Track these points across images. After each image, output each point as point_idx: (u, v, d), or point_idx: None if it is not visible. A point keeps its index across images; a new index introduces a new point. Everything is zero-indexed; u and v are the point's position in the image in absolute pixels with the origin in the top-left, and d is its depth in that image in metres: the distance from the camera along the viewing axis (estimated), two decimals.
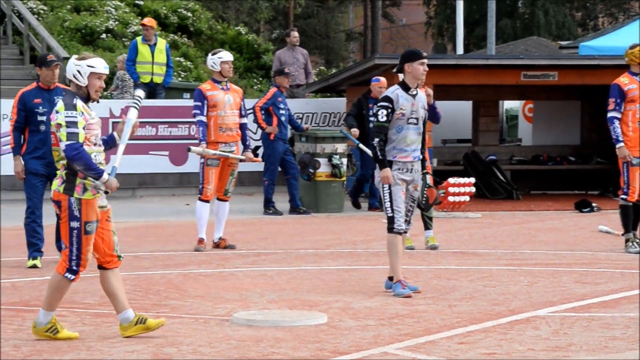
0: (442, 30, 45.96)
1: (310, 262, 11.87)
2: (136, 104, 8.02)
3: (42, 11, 23.40)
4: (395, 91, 9.69)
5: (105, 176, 7.66)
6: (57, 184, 7.71)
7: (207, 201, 12.59)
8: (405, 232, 9.77)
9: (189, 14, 25.16)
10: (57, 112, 7.63)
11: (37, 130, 11.21)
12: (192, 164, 19.50)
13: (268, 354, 7.34)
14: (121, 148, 7.90)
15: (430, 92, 10.10)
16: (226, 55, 12.64)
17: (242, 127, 12.73)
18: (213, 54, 12.70)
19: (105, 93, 21.04)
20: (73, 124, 7.56)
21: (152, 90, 19.50)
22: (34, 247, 11.32)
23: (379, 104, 9.71)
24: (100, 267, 7.94)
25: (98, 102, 7.79)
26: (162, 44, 19.70)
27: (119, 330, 7.88)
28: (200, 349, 7.49)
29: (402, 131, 9.62)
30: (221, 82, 12.64)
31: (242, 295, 9.66)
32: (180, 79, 22.16)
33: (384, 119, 9.59)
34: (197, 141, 12.72)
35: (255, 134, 18.34)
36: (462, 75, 18.03)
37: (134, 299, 9.45)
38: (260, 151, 17.79)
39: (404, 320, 8.47)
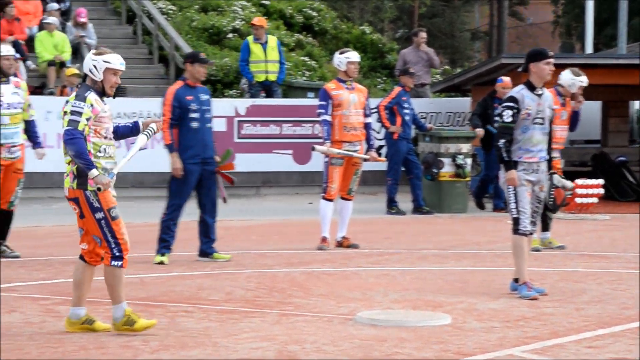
0: (570, 29, 45.17)
1: (434, 262, 11.78)
2: (149, 133, 8.05)
3: (170, 11, 23.76)
4: (520, 91, 9.55)
5: (94, 172, 7.59)
6: (69, 181, 7.70)
7: (331, 200, 12.60)
8: (531, 234, 9.61)
9: (314, 14, 25.24)
10: (67, 101, 7.72)
11: (189, 128, 11.39)
12: (315, 163, 19.54)
13: (392, 354, 7.29)
14: (123, 161, 7.84)
15: (582, 99, 10.21)
16: (353, 56, 12.62)
17: (367, 126, 12.70)
18: (340, 53, 12.68)
19: (231, 92, 21.26)
20: (77, 113, 7.63)
21: (267, 89, 19.62)
22: (165, 243, 11.48)
23: (504, 104, 9.57)
24: (83, 258, 7.89)
25: (113, 97, 7.85)
26: (273, 41, 19.77)
27: (65, 324, 7.93)
28: (324, 347, 7.48)
29: (527, 131, 9.47)
30: (346, 81, 12.62)
31: (365, 295, 9.63)
32: (304, 78, 22.25)
33: (510, 119, 9.45)
34: (321, 140, 12.73)
35: (378, 133, 18.30)
36: (592, 74, 17.53)
37: (259, 296, 9.52)
38: (384, 150, 17.73)
39: (529, 323, 8.33)
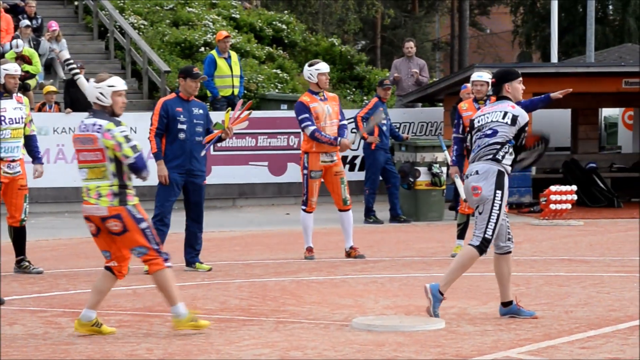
0: (530, 39, 45.69)
1: (419, 269, 11.99)
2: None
3: (142, 26, 23.86)
4: None
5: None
6: (108, 201, 8.03)
7: (311, 212, 12.73)
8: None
9: (284, 27, 25.45)
10: (108, 130, 8.01)
11: (176, 139, 11.54)
12: (290, 174, 19.77)
13: (392, 358, 7.48)
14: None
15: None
16: (323, 67, 12.73)
17: (341, 127, 12.75)
18: (310, 65, 12.78)
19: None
20: (129, 138, 8.08)
21: (231, 103, 19.73)
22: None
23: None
24: (111, 270, 8.26)
25: (120, 115, 8.24)
26: (234, 55, 19.90)
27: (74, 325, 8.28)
28: (325, 352, 7.66)
29: None
30: (319, 92, 12.74)
31: (357, 302, 9.82)
32: (277, 90, 22.44)
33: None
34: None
35: (353, 143, 18.46)
36: (562, 83, 17.88)
37: (253, 305, 9.68)
38: (359, 161, 17.95)
39: (521, 326, 8.55)
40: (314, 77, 12.58)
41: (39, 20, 21.99)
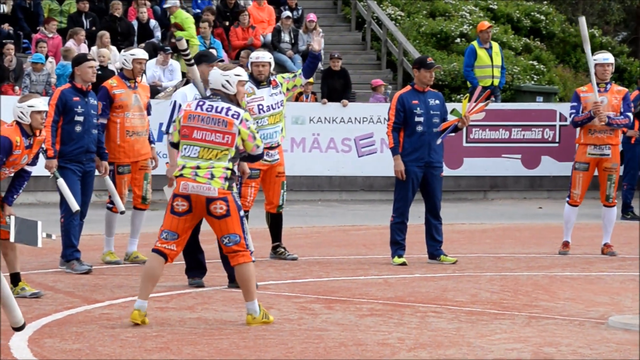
0: None
1: None
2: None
3: (399, 17, 24.00)
4: None
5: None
6: (220, 183, 8.04)
7: (575, 206, 12.44)
8: None
9: (542, 17, 25.02)
10: (246, 120, 8.19)
11: (414, 132, 11.54)
12: (544, 168, 19.43)
13: None
14: None
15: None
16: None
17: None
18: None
19: (459, 97, 21.31)
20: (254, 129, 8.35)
21: (492, 94, 19.57)
22: (398, 245, 11.63)
23: None
24: (161, 253, 8.17)
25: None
26: (496, 46, 19.82)
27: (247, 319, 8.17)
28: (580, 350, 7.47)
29: None
30: (599, 84, 12.33)
31: (613, 299, 9.54)
32: (532, 82, 22.09)
33: None
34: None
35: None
36: None
37: (504, 299, 9.57)
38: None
39: None
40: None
41: (300, 12, 22.48)
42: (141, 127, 11.44)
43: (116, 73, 14.67)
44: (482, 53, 19.60)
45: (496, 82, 19.65)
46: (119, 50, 19.74)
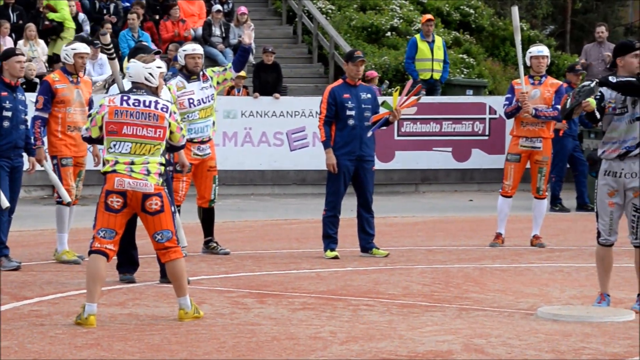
0: None
1: None
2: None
3: (330, 11, 24.03)
4: None
5: None
6: (156, 179, 8.02)
7: (507, 197, 12.57)
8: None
9: (471, 11, 25.20)
10: (175, 113, 8.20)
11: (346, 125, 11.56)
12: (474, 161, 19.59)
13: (579, 349, 7.32)
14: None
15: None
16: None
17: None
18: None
19: (389, 90, 21.42)
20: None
21: (431, 87, 19.73)
22: (331, 239, 11.66)
23: None
24: (102, 253, 8.05)
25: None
26: (439, 40, 19.93)
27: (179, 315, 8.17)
28: (510, 341, 7.56)
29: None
30: (534, 76, 12.52)
31: (542, 290, 9.66)
32: (462, 75, 22.25)
33: None
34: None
35: None
36: None
37: (435, 291, 9.64)
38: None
39: None
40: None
41: (230, 5, 22.41)
42: (82, 123, 11.28)
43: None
44: (423, 46, 19.72)
45: (436, 75, 19.78)
46: (47, 44, 19.56)
